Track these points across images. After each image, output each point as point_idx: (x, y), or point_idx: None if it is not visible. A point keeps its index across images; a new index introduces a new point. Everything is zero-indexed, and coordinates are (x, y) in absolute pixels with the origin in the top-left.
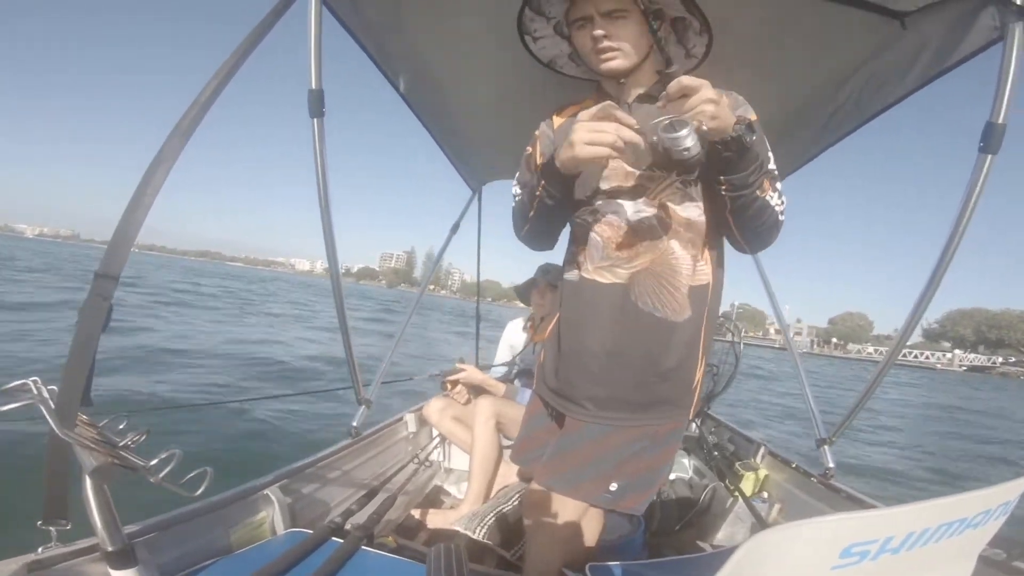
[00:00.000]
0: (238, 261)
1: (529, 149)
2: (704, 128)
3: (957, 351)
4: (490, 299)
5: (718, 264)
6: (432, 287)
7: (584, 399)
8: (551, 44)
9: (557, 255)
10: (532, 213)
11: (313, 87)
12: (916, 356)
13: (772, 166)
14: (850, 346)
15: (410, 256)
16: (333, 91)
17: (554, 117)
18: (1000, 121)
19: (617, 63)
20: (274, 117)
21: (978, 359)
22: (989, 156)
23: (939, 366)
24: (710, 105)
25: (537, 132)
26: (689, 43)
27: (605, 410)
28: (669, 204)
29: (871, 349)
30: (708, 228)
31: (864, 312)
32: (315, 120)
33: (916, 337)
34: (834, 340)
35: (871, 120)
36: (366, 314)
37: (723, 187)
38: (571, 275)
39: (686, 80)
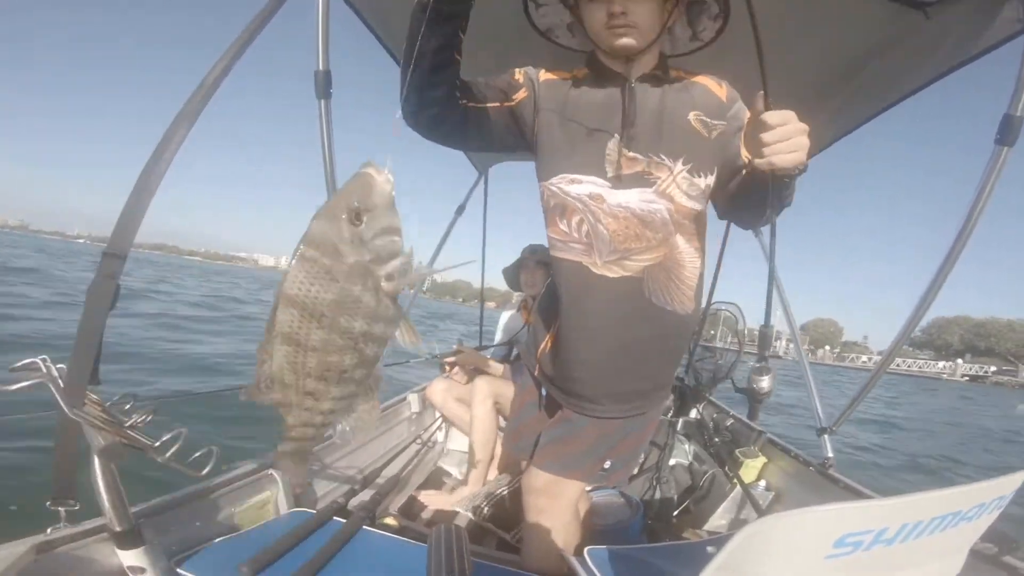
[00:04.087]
0: (196, 255)
1: (515, 73)
2: (795, 169)
3: (960, 361)
4: (461, 299)
5: (704, 251)
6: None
7: (602, 396)
8: (552, 12)
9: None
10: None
11: (320, 68)
12: (909, 365)
13: None
14: (818, 352)
15: None
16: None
17: (542, 70)
18: (1019, 113)
19: (629, 40)
20: (242, 107)
21: (972, 369)
22: (1005, 148)
23: (944, 376)
24: (804, 137)
25: (520, 69)
26: (699, 26)
27: (620, 403)
28: (676, 196)
29: (864, 358)
30: (704, 220)
31: (833, 318)
32: (322, 101)
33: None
34: (827, 347)
35: (886, 110)
36: None
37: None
38: (566, 258)
39: (775, 118)
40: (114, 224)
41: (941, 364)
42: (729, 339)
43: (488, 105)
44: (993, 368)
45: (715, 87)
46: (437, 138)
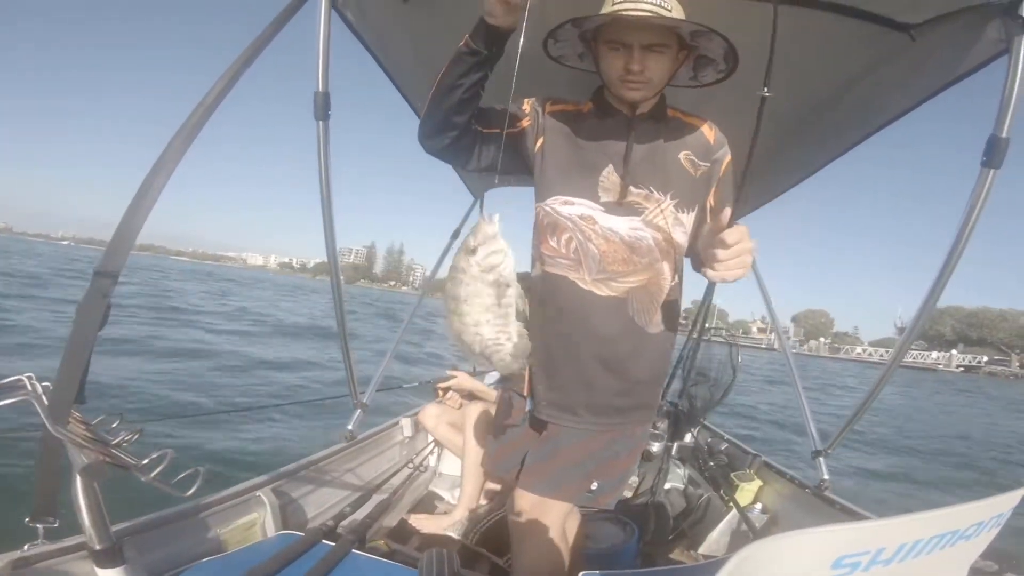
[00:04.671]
0: (184, 255)
1: (523, 103)
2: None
3: (955, 352)
4: None
5: (682, 279)
6: (392, 283)
7: (579, 407)
8: (567, 45)
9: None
10: (442, 73)
11: (320, 90)
12: (909, 357)
13: None
14: (811, 343)
15: (370, 251)
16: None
17: (547, 103)
18: (1004, 135)
19: (641, 94)
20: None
21: (966, 359)
22: (992, 170)
23: (940, 366)
24: (751, 255)
25: (529, 99)
26: (701, 73)
27: (597, 416)
28: (663, 226)
29: (859, 349)
30: (683, 252)
31: (824, 309)
32: (320, 123)
33: (886, 334)
34: (821, 339)
35: (875, 132)
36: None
37: None
38: (550, 273)
39: (732, 237)
40: (108, 243)
41: (935, 355)
42: (725, 333)
43: (495, 131)
44: (985, 358)
45: (706, 130)
46: (447, 156)
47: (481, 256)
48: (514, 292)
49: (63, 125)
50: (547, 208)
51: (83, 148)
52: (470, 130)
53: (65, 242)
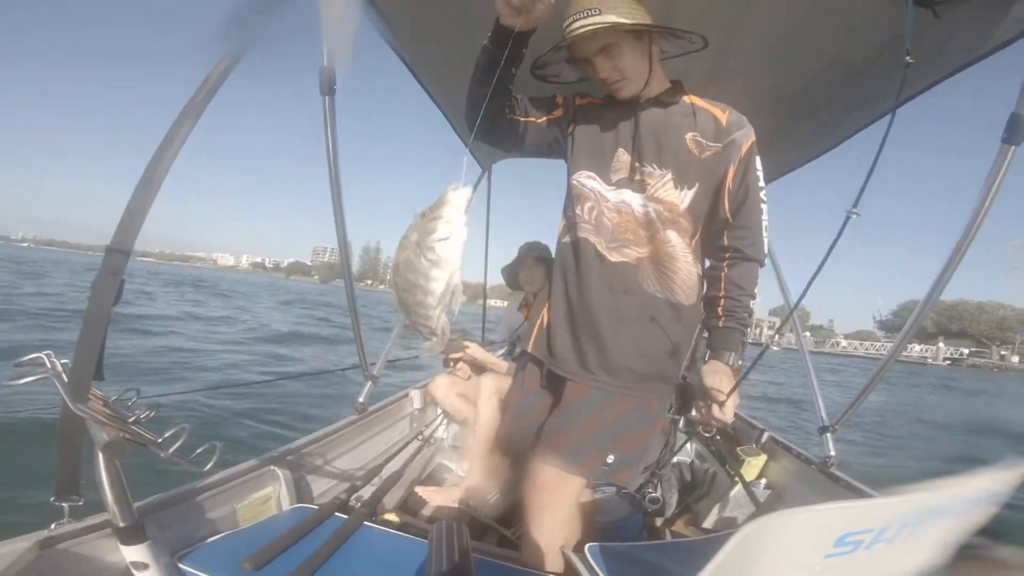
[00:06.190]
0: (150, 256)
1: (556, 96)
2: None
3: (941, 345)
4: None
5: (701, 256)
6: (369, 282)
7: (593, 365)
8: (570, 71)
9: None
10: (474, 67)
11: (325, 64)
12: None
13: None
14: (792, 337)
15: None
16: None
17: (577, 97)
18: None
19: (629, 91)
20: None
21: (949, 352)
22: (1012, 147)
23: (929, 360)
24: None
25: (563, 95)
26: (684, 38)
27: (612, 377)
28: (665, 198)
29: (844, 343)
30: (695, 224)
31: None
32: (326, 98)
33: (859, 327)
34: (807, 334)
35: (897, 108)
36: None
37: None
38: (576, 237)
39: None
40: (116, 222)
41: (919, 347)
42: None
43: (531, 119)
44: (966, 351)
45: (719, 114)
46: (491, 140)
47: (429, 219)
48: (445, 276)
49: (16, 123)
50: (574, 181)
51: (39, 150)
52: (504, 117)
53: (25, 244)
